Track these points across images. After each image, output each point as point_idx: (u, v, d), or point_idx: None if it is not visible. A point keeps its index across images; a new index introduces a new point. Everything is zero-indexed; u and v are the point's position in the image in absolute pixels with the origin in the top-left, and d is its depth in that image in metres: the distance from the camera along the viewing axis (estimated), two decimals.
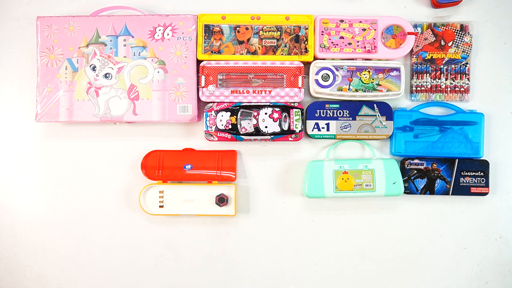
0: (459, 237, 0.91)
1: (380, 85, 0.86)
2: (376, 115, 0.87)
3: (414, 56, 0.89)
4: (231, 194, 0.88)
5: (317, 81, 0.86)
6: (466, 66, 0.89)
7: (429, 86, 0.90)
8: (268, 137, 0.86)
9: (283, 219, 0.91)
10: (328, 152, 0.90)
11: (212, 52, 0.86)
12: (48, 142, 0.92)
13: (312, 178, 0.87)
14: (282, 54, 0.86)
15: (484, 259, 0.91)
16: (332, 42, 0.87)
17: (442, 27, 0.89)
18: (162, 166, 0.88)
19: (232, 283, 0.91)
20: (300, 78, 0.86)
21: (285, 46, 0.87)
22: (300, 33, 0.86)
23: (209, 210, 0.88)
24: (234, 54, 0.86)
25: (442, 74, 0.90)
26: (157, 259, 0.91)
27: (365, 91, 0.86)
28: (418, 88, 0.90)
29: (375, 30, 0.87)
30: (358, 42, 0.87)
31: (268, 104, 0.86)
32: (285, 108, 0.86)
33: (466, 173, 0.88)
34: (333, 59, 0.87)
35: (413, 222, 0.91)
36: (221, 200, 0.87)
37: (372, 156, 0.90)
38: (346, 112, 0.87)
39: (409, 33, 0.87)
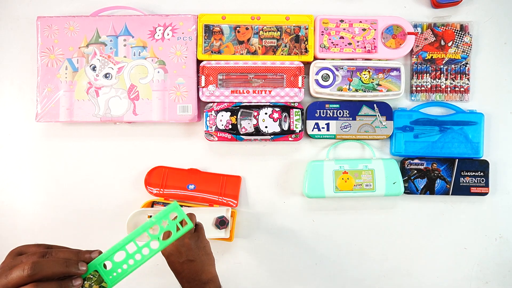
0: (459, 237, 0.91)
1: (380, 85, 0.86)
2: (376, 115, 0.87)
3: (414, 56, 0.89)
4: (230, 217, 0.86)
5: (317, 81, 0.86)
6: (466, 66, 0.89)
7: (429, 86, 0.90)
8: (268, 137, 0.86)
9: (283, 219, 0.91)
10: (328, 152, 0.90)
11: (212, 52, 0.86)
12: (48, 142, 0.92)
13: (312, 178, 0.87)
14: (282, 54, 0.86)
15: (484, 259, 0.91)
16: (332, 42, 0.87)
17: (442, 27, 0.89)
18: (165, 184, 0.88)
19: (232, 283, 0.91)
20: (300, 78, 0.86)
21: (285, 46, 0.87)
22: (300, 33, 0.86)
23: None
24: (234, 54, 0.86)
25: (442, 74, 0.90)
26: (157, 259, 0.91)
27: (365, 91, 0.86)
28: (418, 88, 0.90)
29: (375, 30, 0.87)
30: (358, 42, 0.87)
31: (268, 104, 0.86)
32: (285, 108, 0.86)
33: (466, 173, 0.88)
34: (333, 59, 0.87)
35: (413, 222, 0.91)
36: (222, 223, 0.85)
37: (372, 156, 0.90)
38: (346, 112, 0.88)
39: (409, 33, 0.87)
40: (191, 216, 0.72)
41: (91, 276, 0.52)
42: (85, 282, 0.51)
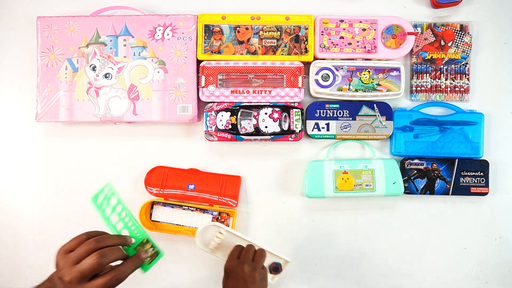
0: (459, 237, 0.91)
1: (380, 85, 0.86)
2: (376, 115, 0.87)
3: (414, 56, 0.89)
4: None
5: (317, 81, 0.86)
6: (466, 66, 0.89)
7: (429, 86, 0.90)
8: (268, 137, 0.86)
9: (283, 219, 0.91)
10: (328, 152, 0.90)
11: (212, 52, 0.86)
12: (48, 142, 0.92)
13: (312, 178, 0.87)
14: (282, 54, 0.86)
15: (484, 259, 0.91)
16: (332, 42, 0.87)
17: (442, 27, 0.89)
18: (165, 185, 0.88)
19: None
20: (300, 78, 0.86)
21: (285, 46, 0.87)
22: (300, 33, 0.86)
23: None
24: (234, 54, 0.86)
25: (442, 74, 0.90)
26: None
27: (365, 91, 0.86)
28: (418, 88, 0.90)
29: (375, 30, 0.87)
30: (358, 42, 0.87)
31: (268, 104, 0.86)
32: (285, 108, 0.86)
33: (466, 173, 0.88)
34: (333, 59, 0.87)
35: (413, 222, 0.91)
36: (276, 270, 0.83)
37: (372, 156, 0.90)
38: (346, 112, 0.87)
39: (409, 33, 0.87)
40: (261, 252, 0.76)
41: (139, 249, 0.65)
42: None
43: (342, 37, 0.87)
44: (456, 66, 0.89)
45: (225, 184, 0.89)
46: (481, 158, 0.88)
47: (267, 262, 0.83)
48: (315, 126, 0.87)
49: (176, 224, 0.90)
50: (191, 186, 0.89)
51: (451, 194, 0.88)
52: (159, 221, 0.90)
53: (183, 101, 0.86)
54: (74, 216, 0.92)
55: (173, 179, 0.89)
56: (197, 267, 0.91)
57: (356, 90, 0.86)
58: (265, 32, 0.86)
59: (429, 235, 0.91)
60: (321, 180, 0.87)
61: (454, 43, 0.89)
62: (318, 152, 0.91)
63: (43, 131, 0.92)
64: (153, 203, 0.90)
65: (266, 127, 0.86)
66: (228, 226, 0.89)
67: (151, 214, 0.90)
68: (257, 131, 0.86)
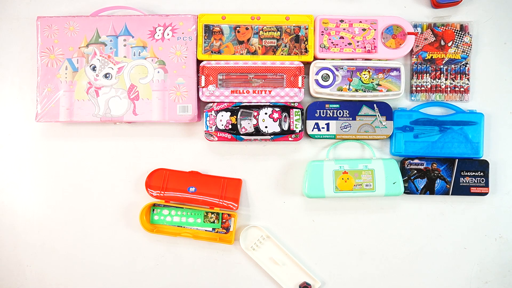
0: (459, 237, 0.91)
1: (380, 85, 0.86)
2: (376, 115, 0.87)
3: (414, 56, 0.89)
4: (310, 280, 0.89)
5: (317, 81, 0.86)
6: (466, 66, 0.89)
7: (429, 86, 0.90)
8: (268, 137, 0.86)
9: (283, 219, 0.91)
10: (328, 152, 0.90)
11: (212, 52, 0.86)
12: (48, 142, 0.92)
13: (312, 178, 0.87)
14: (282, 54, 0.86)
15: (484, 259, 0.91)
16: (332, 42, 0.87)
17: (442, 27, 0.89)
18: (166, 187, 0.88)
19: (232, 283, 0.91)
20: (300, 78, 0.86)
21: (285, 46, 0.87)
22: (300, 33, 0.86)
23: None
24: (234, 54, 0.86)
25: (442, 74, 0.90)
26: (157, 259, 0.91)
27: (365, 91, 0.86)
28: (418, 88, 0.90)
29: (375, 30, 0.87)
30: (358, 42, 0.87)
31: (268, 104, 0.86)
32: (285, 108, 0.86)
33: (466, 173, 0.88)
34: (333, 59, 0.87)
35: (413, 222, 0.91)
36: None
37: (372, 156, 0.90)
38: (346, 112, 0.88)
39: (409, 33, 0.87)
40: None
41: None
42: None
43: (342, 37, 0.87)
44: (456, 66, 0.89)
45: (226, 187, 0.89)
46: (481, 158, 0.88)
47: (299, 281, 0.88)
48: (315, 126, 0.87)
49: (177, 226, 0.90)
50: (192, 189, 0.88)
51: (451, 194, 0.88)
52: (159, 224, 0.90)
53: (183, 101, 0.86)
54: (74, 216, 0.92)
55: (174, 181, 0.89)
56: (197, 270, 0.91)
57: (356, 90, 0.86)
58: (265, 32, 0.86)
59: (429, 235, 0.91)
60: (321, 180, 0.87)
61: (454, 43, 0.89)
62: (318, 152, 0.91)
63: (43, 131, 0.92)
64: (153, 206, 0.90)
65: (266, 127, 0.86)
66: (230, 226, 0.89)
67: (151, 217, 0.90)
68: (257, 131, 0.86)
